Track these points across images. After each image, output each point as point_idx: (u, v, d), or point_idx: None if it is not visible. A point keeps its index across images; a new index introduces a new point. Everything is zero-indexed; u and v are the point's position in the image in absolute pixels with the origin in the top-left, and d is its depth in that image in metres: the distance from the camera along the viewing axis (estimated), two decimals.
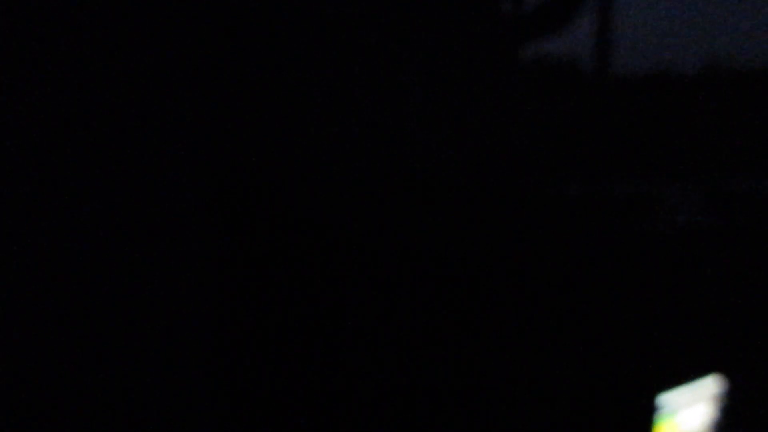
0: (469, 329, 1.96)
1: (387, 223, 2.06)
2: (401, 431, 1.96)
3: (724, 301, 2.31)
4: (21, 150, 1.79)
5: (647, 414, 2.00)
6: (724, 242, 2.40)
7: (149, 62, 1.96)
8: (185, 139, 2.02)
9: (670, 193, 2.55)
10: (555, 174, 2.60)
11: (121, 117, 1.93)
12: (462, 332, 1.96)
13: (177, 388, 2.01)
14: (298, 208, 2.06)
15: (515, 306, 1.96)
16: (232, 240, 2.02)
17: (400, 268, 2.01)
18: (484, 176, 2.57)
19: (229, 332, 2.03)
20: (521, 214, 2.19)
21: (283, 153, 2.19)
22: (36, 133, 1.81)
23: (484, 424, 1.91)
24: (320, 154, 2.26)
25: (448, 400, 1.94)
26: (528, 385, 1.94)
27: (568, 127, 2.92)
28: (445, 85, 2.51)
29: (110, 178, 1.91)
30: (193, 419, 2.03)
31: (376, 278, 1.99)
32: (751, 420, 2.34)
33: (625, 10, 2.96)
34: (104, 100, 1.91)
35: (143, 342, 1.96)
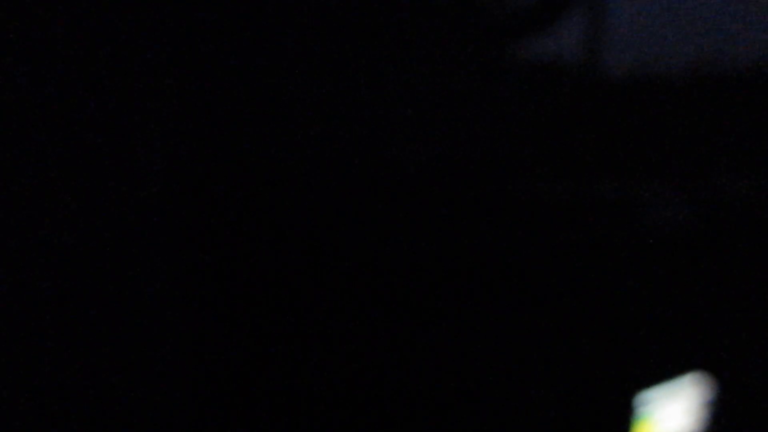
0: (447, 328, 1.97)
1: (374, 226, 2.08)
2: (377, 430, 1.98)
3: (703, 300, 2.32)
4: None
5: (626, 413, 2.01)
6: (705, 242, 2.41)
7: (127, 59, 1.97)
8: (166, 135, 2.03)
9: (652, 194, 2.56)
10: (540, 175, 2.61)
11: (98, 114, 1.93)
12: (439, 332, 1.97)
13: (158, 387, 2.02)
14: (282, 210, 2.07)
15: (492, 304, 1.97)
16: (212, 239, 2.02)
17: (382, 270, 2.02)
18: (470, 177, 2.58)
19: (210, 334, 2.04)
20: (504, 214, 2.21)
21: (267, 152, 2.20)
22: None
23: (458, 421, 1.92)
24: (307, 154, 2.27)
25: (421, 396, 1.96)
26: (503, 383, 1.95)
27: (555, 128, 2.93)
28: (430, 85, 2.52)
29: (84, 175, 1.91)
30: (174, 418, 2.04)
31: (363, 283, 2.00)
32: (729, 418, 2.35)
33: (614, 10, 2.97)
34: (81, 97, 1.91)
35: (121, 341, 1.97)
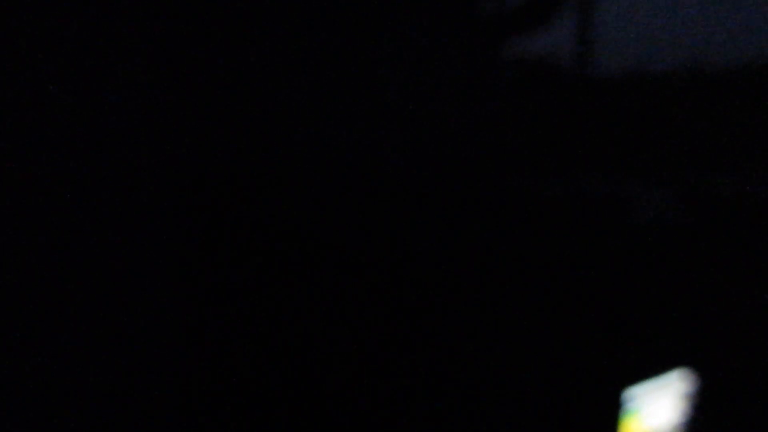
0: (437, 325, 1.98)
1: (372, 225, 2.09)
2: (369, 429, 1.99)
3: (689, 296, 2.34)
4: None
5: (612, 409, 2.03)
6: (693, 238, 2.43)
7: (126, 59, 1.98)
8: (166, 135, 2.04)
9: (640, 192, 2.58)
10: (533, 174, 2.63)
11: (99, 113, 1.94)
12: (430, 330, 1.98)
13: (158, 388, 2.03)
14: (278, 210, 2.08)
15: (479, 301, 1.98)
16: (213, 240, 2.04)
17: (380, 270, 2.03)
18: (461, 176, 2.60)
19: (211, 335, 2.06)
20: (493, 210, 2.22)
21: (263, 152, 2.21)
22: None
23: (446, 418, 1.94)
24: (304, 153, 2.28)
25: (408, 393, 1.97)
26: (490, 379, 1.96)
27: (547, 127, 2.95)
28: (424, 84, 2.54)
29: (85, 174, 1.93)
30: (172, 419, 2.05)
31: (358, 284, 2.01)
32: (717, 415, 2.37)
33: (607, 9, 2.98)
34: (83, 95, 1.92)
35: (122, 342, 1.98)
